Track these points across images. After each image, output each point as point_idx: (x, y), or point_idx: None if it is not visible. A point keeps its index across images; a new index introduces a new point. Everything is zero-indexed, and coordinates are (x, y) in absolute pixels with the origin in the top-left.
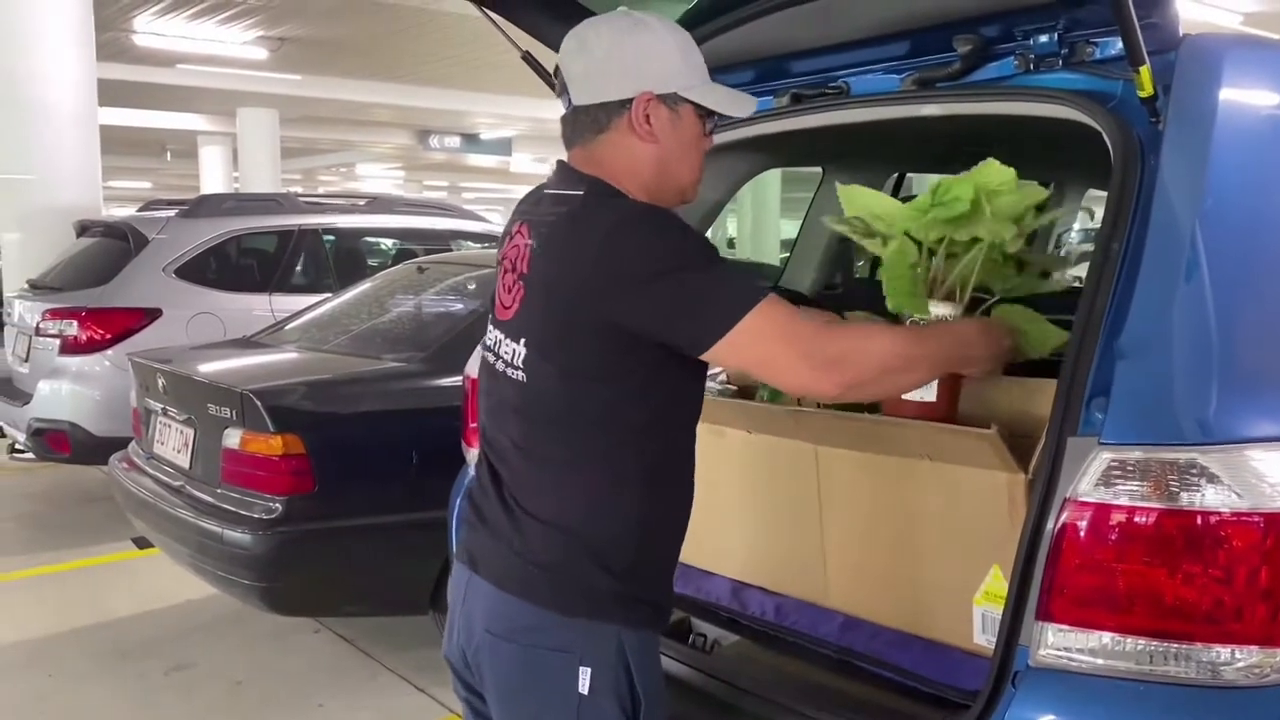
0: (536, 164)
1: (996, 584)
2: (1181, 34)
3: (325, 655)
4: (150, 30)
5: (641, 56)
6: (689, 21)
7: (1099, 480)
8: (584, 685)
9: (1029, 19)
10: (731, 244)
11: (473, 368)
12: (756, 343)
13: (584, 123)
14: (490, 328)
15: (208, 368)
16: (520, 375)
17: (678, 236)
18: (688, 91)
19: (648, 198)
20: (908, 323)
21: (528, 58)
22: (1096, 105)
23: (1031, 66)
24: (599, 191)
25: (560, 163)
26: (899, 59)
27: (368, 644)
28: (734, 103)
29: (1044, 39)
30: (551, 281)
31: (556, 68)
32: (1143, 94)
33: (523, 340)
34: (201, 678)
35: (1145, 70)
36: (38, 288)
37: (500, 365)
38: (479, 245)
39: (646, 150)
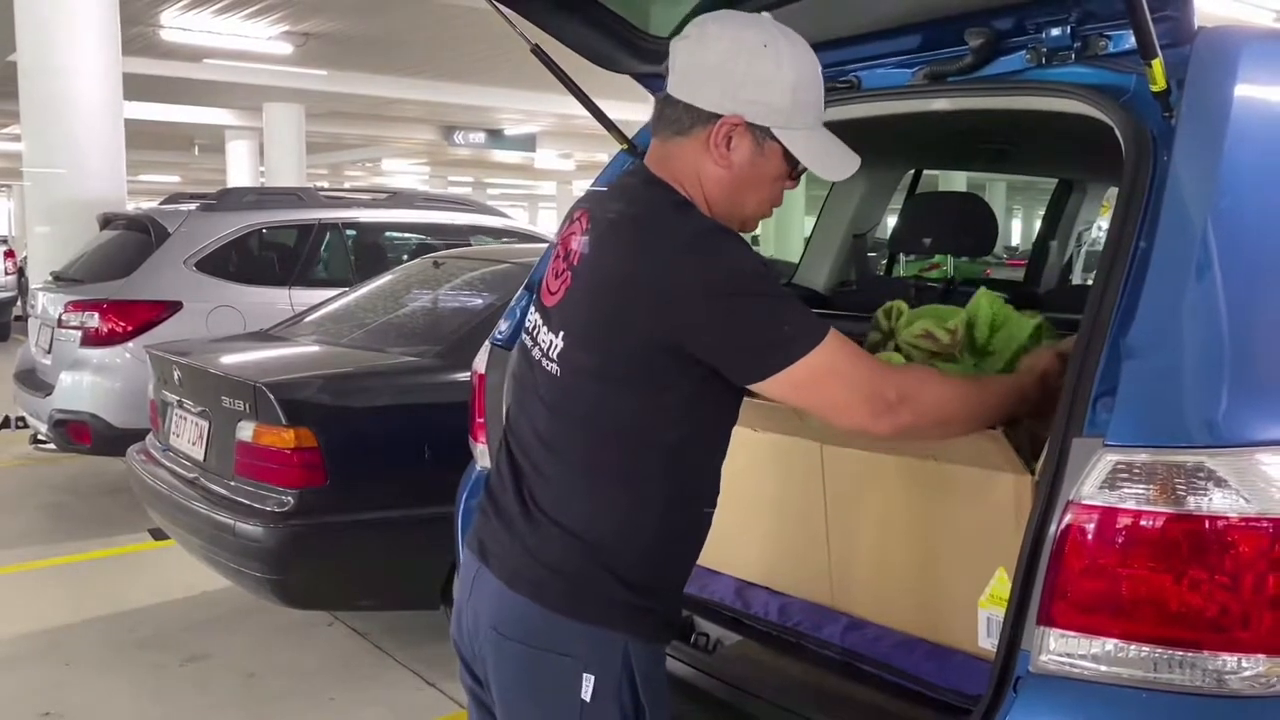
0: (561, 160)
1: (1001, 587)
2: (1197, 27)
3: (338, 649)
4: (177, 25)
5: (750, 81)
6: (696, 16)
7: (1103, 482)
8: (587, 692)
9: (1041, 12)
10: (755, 241)
11: (481, 363)
12: (815, 381)
13: (669, 117)
14: (532, 310)
15: (223, 360)
16: (554, 368)
17: (748, 261)
18: (781, 133)
19: (707, 213)
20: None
21: (537, 51)
22: (1109, 100)
23: (1044, 61)
24: (671, 200)
25: (638, 163)
26: (910, 52)
27: (380, 638)
28: (825, 161)
29: (1056, 32)
30: (603, 281)
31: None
32: (1155, 88)
33: (561, 333)
34: (216, 669)
35: (1158, 63)
36: (60, 279)
37: (536, 353)
38: (498, 240)
39: (715, 172)
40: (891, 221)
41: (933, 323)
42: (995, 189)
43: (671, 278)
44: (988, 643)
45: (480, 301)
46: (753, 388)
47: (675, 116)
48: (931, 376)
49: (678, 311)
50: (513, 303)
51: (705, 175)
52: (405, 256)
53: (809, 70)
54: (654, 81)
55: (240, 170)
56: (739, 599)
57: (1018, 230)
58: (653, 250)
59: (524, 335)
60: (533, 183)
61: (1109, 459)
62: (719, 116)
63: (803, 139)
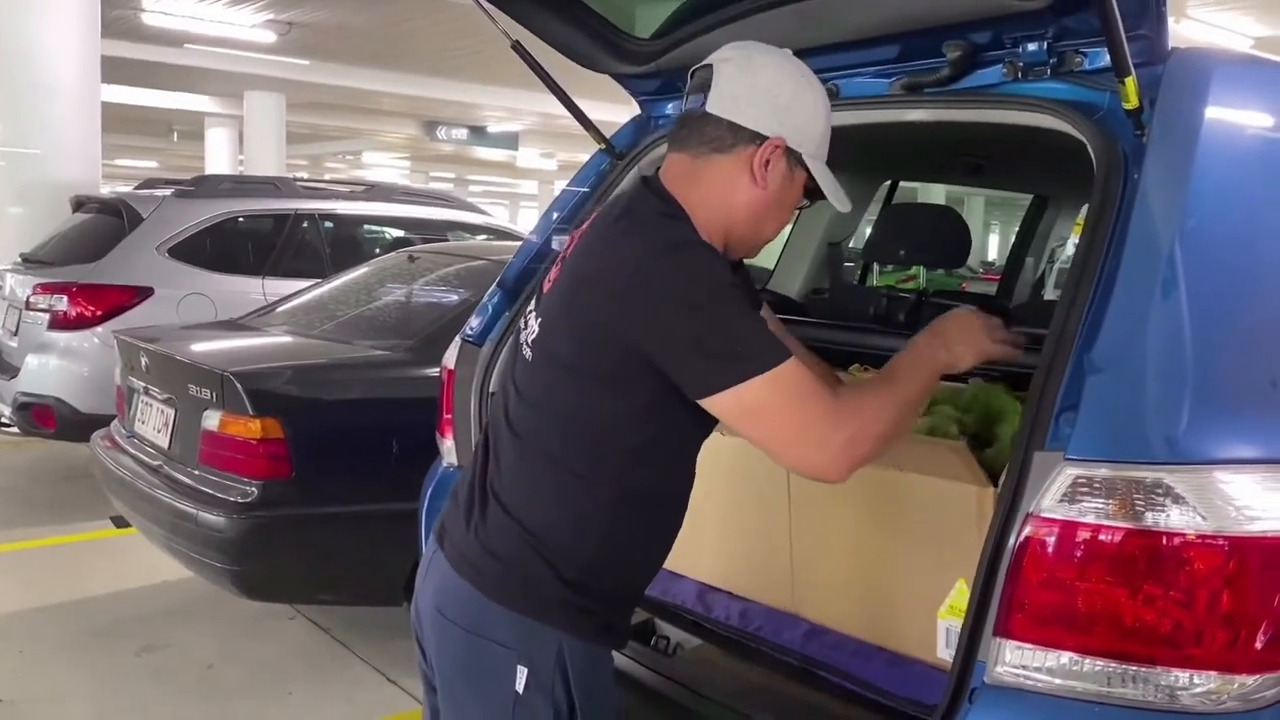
0: (543, 159)
1: (961, 598)
2: (1171, 47)
3: (299, 643)
4: (159, 9)
5: (796, 106)
6: (677, 20)
7: (1063, 496)
8: (520, 683)
9: (1018, 26)
10: None
11: (450, 358)
12: (763, 408)
13: (708, 134)
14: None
15: (190, 348)
16: (528, 353)
17: (719, 276)
18: (811, 161)
19: (722, 235)
20: None
21: (517, 47)
22: (1082, 116)
23: (1020, 75)
24: (663, 210)
25: (654, 175)
26: (888, 62)
27: (342, 633)
28: (838, 194)
29: (1033, 47)
30: (583, 279)
31: (696, 69)
32: (1128, 106)
33: (540, 320)
34: (173, 660)
35: (1131, 81)
36: (30, 261)
37: (523, 336)
38: (475, 237)
39: (750, 192)
40: (868, 232)
41: (943, 420)
42: (974, 203)
43: (638, 280)
44: (946, 653)
45: (454, 297)
46: (703, 404)
47: (717, 134)
48: (863, 403)
49: (639, 314)
50: (484, 299)
51: (738, 194)
52: (379, 250)
53: (827, 106)
54: (634, 83)
55: (219, 158)
56: (700, 603)
57: (995, 245)
58: (626, 252)
59: (522, 318)
60: (515, 181)
61: (1069, 473)
62: (764, 137)
63: (823, 172)
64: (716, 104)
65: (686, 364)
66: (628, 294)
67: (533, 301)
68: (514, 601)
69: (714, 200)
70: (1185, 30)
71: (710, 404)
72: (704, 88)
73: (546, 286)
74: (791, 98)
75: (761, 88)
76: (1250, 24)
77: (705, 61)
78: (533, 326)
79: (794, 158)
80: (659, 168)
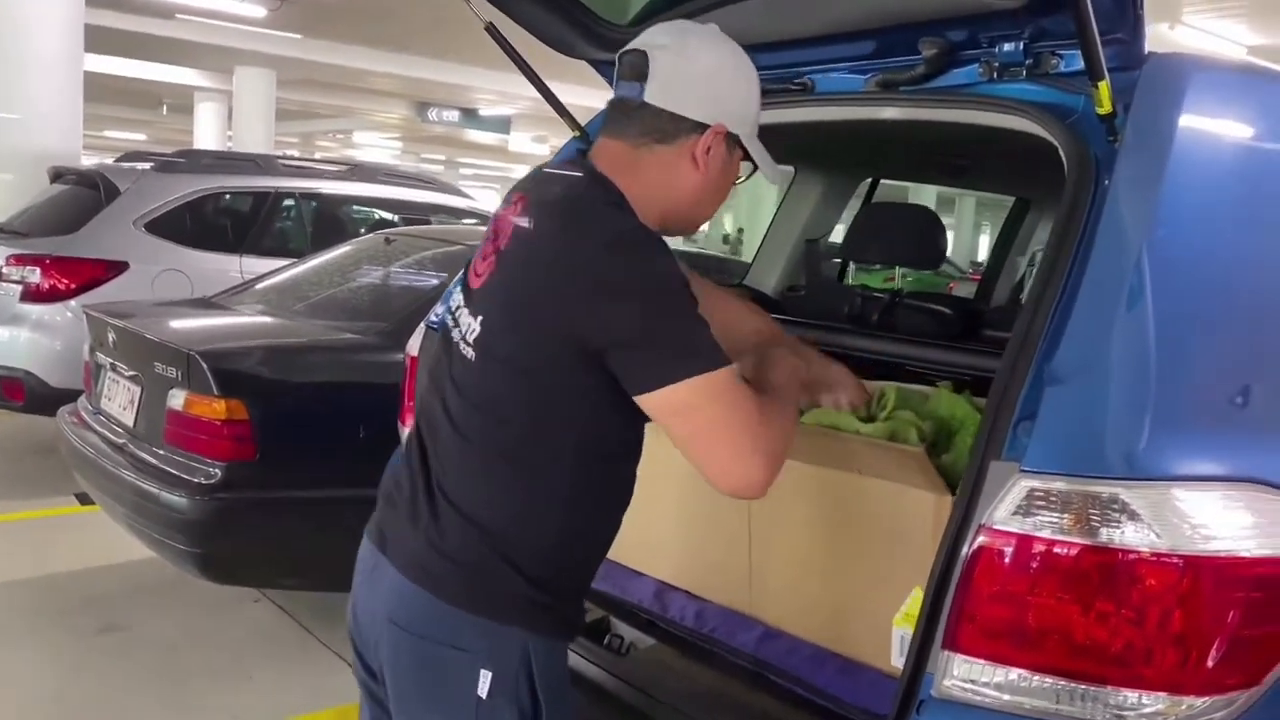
0: (535, 144)
1: (916, 606)
2: (1147, 52)
3: (263, 626)
4: None
5: (734, 90)
6: (654, 7)
7: (1017, 508)
8: (483, 688)
9: (995, 26)
10: (726, 240)
11: (414, 346)
12: (694, 409)
13: (649, 123)
14: (457, 291)
15: (158, 325)
16: (470, 352)
17: (666, 268)
18: (748, 141)
19: (659, 218)
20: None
21: (491, 29)
22: (1055, 120)
23: (995, 75)
24: (606, 199)
25: (581, 152)
26: (865, 58)
27: (307, 618)
28: (773, 170)
29: (1009, 47)
30: (524, 270)
31: (625, 53)
32: (1101, 110)
33: (480, 318)
34: (135, 640)
35: (1104, 86)
36: (4, 231)
37: (456, 335)
38: (459, 220)
39: (692, 178)
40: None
41: (903, 426)
42: (965, 204)
43: (587, 273)
44: (900, 661)
45: (430, 282)
46: (637, 399)
47: (658, 125)
48: (773, 420)
49: (585, 306)
50: (450, 286)
51: (680, 181)
52: (363, 230)
53: (758, 82)
54: (609, 69)
55: (207, 132)
56: (657, 602)
57: (986, 246)
58: (574, 243)
59: (448, 316)
60: (507, 165)
61: (1024, 484)
62: (706, 126)
63: (759, 150)
64: (655, 94)
65: (624, 356)
66: (575, 286)
67: (461, 296)
68: (476, 605)
69: (655, 187)
70: (1179, 37)
71: (645, 399)
72: (639, 75)
73: (478, 282)
74: (729, 83)
75: (700, 76)
76: (1244, 32)
77: (636, 46)
78: (470, 324)
79: (732, 139)
80: (589, 150)
